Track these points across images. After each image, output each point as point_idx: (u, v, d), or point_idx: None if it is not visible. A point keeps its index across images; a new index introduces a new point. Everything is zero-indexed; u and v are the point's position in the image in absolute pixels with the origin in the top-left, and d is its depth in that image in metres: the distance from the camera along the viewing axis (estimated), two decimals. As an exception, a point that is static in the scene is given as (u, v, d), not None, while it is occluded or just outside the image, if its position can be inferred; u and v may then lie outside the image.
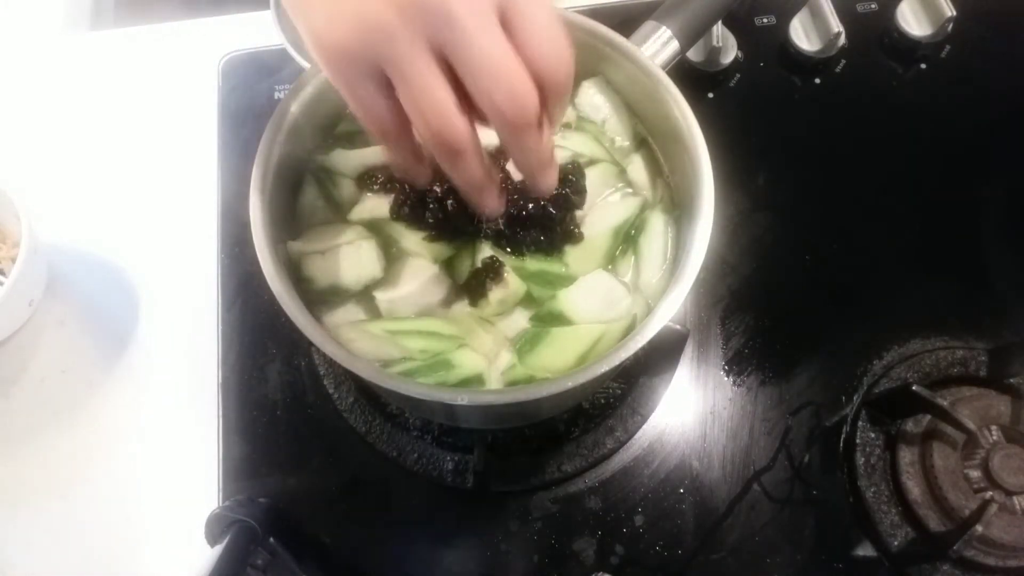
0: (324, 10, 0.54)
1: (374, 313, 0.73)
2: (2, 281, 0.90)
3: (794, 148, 1.05)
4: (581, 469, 0.87)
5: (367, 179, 0.77)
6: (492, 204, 0.64)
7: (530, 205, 0.72)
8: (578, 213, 0.75)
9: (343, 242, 0.74)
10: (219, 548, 0.75)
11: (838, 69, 1.09)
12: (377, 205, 0.76)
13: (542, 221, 0.72)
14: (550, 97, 0.57)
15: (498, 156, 0.76)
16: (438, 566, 0.85)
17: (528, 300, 0.73)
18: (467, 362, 0.70)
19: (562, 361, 0.69)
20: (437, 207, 0.73)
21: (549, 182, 0.63)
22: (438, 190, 0.73)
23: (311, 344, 0.66)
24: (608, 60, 0.79)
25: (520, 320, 0.73)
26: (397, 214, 0.74)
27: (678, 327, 0.84)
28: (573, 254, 0.74)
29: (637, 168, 0.79)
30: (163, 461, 0.90)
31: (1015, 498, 0.80)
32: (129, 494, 0.89)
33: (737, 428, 0.89)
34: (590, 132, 0.81)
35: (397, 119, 0.58)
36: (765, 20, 1.11)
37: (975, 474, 0.82)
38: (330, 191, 0.78)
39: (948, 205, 1.01)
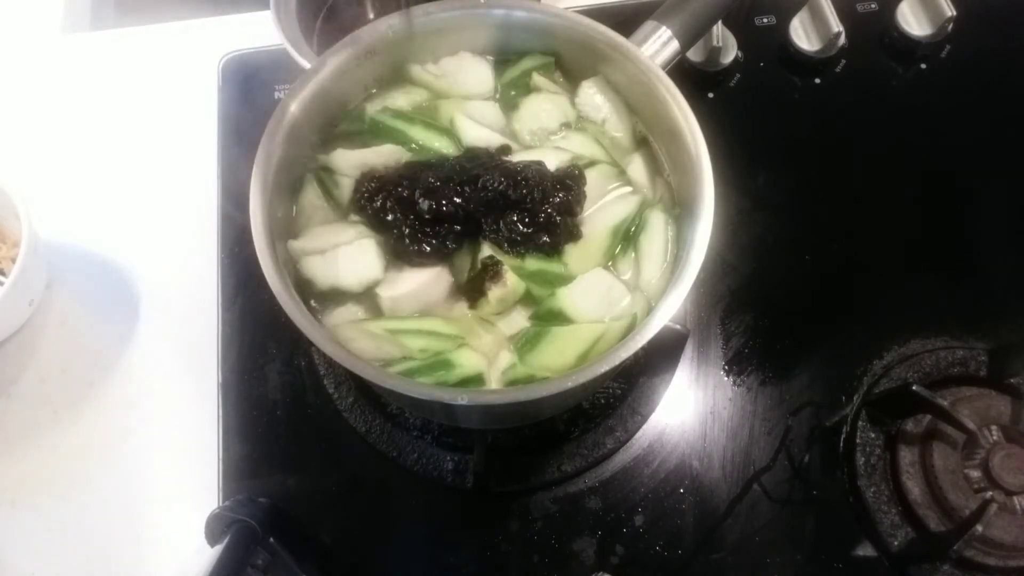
0: None
1: (374, 312, 0.73)
2: (2, 281, 0.90)
3: (794, 148, 1.05)
4: (581, 469, 0.87)
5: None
6: None
7: (528, 208, 0.72)
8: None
9: (343, 242, 0.74)
10: (219, 548, 0.75)
11: (838, 69, 1.09)
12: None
13: (546, 226, 0.73)
14: None
15: (501, 151, 0.77)
16: (438, 566, 0.85)
17: (527, 299, 0.73)
18: (467, 361, 0.70)
19: (562, 360, 0.69)
20: (433, 234, 0.73)
21: None
22: (426, 206, 0.73)
23: (311, 344, 0.66)
24: (608, 60, 0.79)
25: (520, 319, 0.73)
26: (399, 251, 0.74)
27: (678, 327, 0.84)
28: (572, 253, 0.74)
29: (637, 167, 0.79)
30: (163, 461, 0.90)
31: (1015, 498, 0.80)
32: (129, 494, 0.89)
33: (737, 428, 0.89)
34: (590, 132, 0.81)
35: None
36: (765, 20, 1.11)
37: (975, 474, 0.82)
38: (331, 191, 0.78)
39: (948, 205, 1.02)
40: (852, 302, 0.97)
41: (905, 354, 0.92)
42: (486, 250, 0.73)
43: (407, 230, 0.73)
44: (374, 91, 0.82)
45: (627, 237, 0.76)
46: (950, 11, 1.04)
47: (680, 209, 0.77)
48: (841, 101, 1.07)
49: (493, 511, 0.87)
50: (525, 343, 0.71)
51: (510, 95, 0.83)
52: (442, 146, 0.79)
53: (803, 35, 1.07)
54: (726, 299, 0.96)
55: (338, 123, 0.81)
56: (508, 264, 0.72)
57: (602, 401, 0.89)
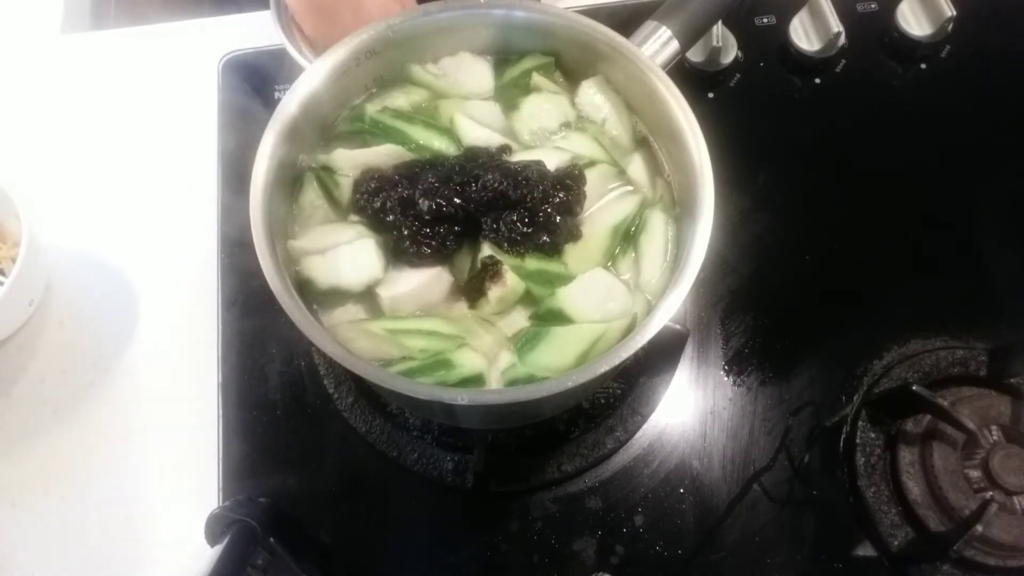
0: None
1: (374, 312, 0.73)
2: (2, 281, 0.90)
3: (794, 148, 1.05)
4: (581, 469, 0.87)
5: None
6: None
7: (528, 208, 0.72)
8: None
9: (343, 242, 0.74)
10: (219, 548, 0.75)
11: (838, 69, 1.09)
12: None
13: (546, 226, 0.73)
14: None
15: (501, 151, 0.77)
16: (438, 566, 0.85)
17: (527, 299, 0.73)
18: (467, 362, 0.70)
19: (562, 360, 0.69)
20: (433, 234, 0.73)
21: None
22: (425, 206, 0.72)
23: (311, 344, 0.66)
24: (608, 60, 0.79)
25: (519, 319, 0.73)
26: (399, 251, 0.74)
27: (678, 327, 0.84)
28: (572, 253, 0.74)
29: (637, 167, 0.79)
30: (163, 461, 0.90)
31: (1015, 498, 0.80)
32: (129, 494, 0.89)
33: (737, 428, 0.89)
34: (590, 132, 0.81)
35: None
36: (765, 20, 1.11)
37: (975, 474, 0.82)
38: (331, 190, 0.78)
39: (948, 205, 1.02)
40: (852, 302, 0.97)
41: (905, 354, 0.92)
42: (486, 250, 0.73)
43: (407, 230, 0.73)
44: (374, 91, 0.82)
45: (627, 237, 0.76)
46: (950, 11, 1.04)
47: (680, 209, 0.77)
48: (841, 101, 1.07)
49: (493, 511, 0.87)
50: (525, 343, 0.71)
51: (510, 95, 0.83)
52: (442, 146, 0.79)
53: (803, 35, 1.07)
54: (726, 299, 0.96)
55: (338, 123, 0.81)
56: (508, 264, 0.72)
57: (602, 401, 0.89)
